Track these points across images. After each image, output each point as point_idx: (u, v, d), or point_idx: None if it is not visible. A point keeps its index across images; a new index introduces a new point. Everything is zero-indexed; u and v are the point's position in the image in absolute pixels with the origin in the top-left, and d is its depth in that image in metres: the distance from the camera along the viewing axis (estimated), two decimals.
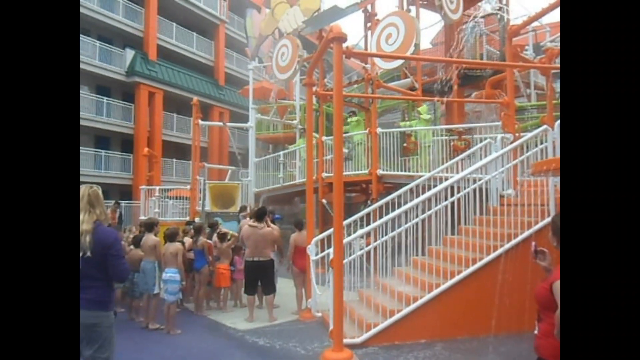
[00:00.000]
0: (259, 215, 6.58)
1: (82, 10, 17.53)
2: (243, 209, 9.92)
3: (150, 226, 6.45)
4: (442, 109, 13.04)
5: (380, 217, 5.94)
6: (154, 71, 20.74)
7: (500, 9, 12.93)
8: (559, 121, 5.94)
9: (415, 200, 5.86)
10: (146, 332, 5.98)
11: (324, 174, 9.65)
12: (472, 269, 5.34)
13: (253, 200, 12.13)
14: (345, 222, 5.90)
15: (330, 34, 4.80)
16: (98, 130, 18.96)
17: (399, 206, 6.01)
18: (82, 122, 17.30)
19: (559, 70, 9.92)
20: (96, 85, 19.36)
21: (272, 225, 6.86)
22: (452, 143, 8.93)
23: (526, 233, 5.45)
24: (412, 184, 6.77)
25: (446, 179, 6.24)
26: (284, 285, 7.39)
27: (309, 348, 5.04)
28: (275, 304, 6.80)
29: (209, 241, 7.04)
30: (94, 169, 18.46)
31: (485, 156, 6.81)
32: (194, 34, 23.63)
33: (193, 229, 7.20)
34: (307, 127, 7.11)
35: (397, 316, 5.13)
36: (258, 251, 6.35)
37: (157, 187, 13.81)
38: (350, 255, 5.74)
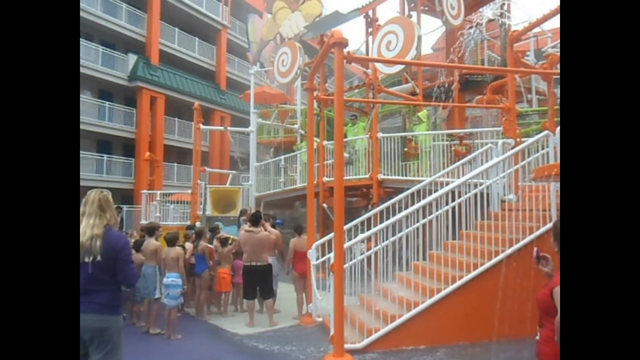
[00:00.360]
0: (255, 219, 6.57)
1: (85, 15, 17.64)
2: (243, 212, 9.92)
3: (151, 230, 6.45)
4: (444, 114, 13.05)
5: (381, 221, 5.94)
6: (156, 76, 20.82)
7: (501, 14, 12.97)
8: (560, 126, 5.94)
9: (416, 205, 5.85)
10: (147, 337, 5.96)
11: (325, 179, 9.65)
12: (473, 274, 5.32)
13: (254, 205, 12.13)
14: (346, 227, 5.89)
15: (332, 39, 4.83)
16: (100, 135, 19.02)
17: (400, 211, 6.00)
18: (84, 127, 17.37)
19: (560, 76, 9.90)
20: (98, 90, 19.45)
21: (271, 229, 6.85)
22: (453, 148, 8.93)
23: (527, 238, 5.44)
24: (413, 189, 6.77)
25: (447, 183, 6.24)
26: (285, 290, 7.38)
27: (310, 353, 5.02)
28: (276, 308, 6.78)
29: (209, 245, 7.04)
30: (96, 173, 18.50)
31: (487, 161, 6.81)
32: (196, 38, 23.75)
33: (194, 234, 7.20)
34: (308, 132, 7.12)
35: (398, 321, 5.11)
36: (256, 256, 6.33)
37: (159, 192, 13.83)
38: (351, 259, 5.73)
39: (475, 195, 5.99)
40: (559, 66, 7.69)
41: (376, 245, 5.81)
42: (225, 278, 6.93)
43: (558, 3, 6.31)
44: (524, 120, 11.15)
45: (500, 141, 6.99)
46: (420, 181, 7.21)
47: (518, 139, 6.73)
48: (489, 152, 7.13)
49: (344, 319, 4.87)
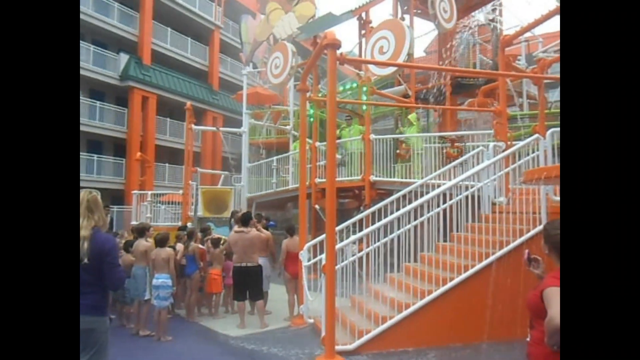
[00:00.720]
0: (244, 220, 6.55)
1: None
2: (234, 214, 9.88)
3: (141, 231, 6.41)
4: (435, 116, 13.13)
5: (373, 223, 5.95)
6: (148, 76, 20.70)
7: (493, 19, 13.09)
8: (550, 130, 6.00)
9: (408, 207, 5.87)
10: (136, 339, 5.91)
11: (317, 180, 9.65)
12: (464, 276, 5.35)
13: (245, 206, 12.10)
14: (337, 228, 5.89)
15: (325, 41, 4.83)
16: (91, 135, 18.85)
17: (392, 212, 6.02)
18: None
19: (550, 80, 10.04)
20: (90, 90, 19.28)
21: (263, 230, 6.83)
22: (444, 150, 8.98)
23: (518, 241, 5.48)
24: (405, 191, 6.79)
25: (439, 186, 6.27)
26: (276, 292, 7.36)
27: (301, 354, 5.00)
28: (267, 310, 6.76)
29: (201, 246, 7.00)
30: (86, 173, 18.33)
31: (478, 164, 6.86)
32: (189, 38, 23.65)
33: (185, 235, 7.16)
34: (300, 133, 7.12)
35: (389, 323, 5.11)
36: (246, 257, 6.30)
37: (149, 192, 13.75)
38: (342, 261, 5.73)
39: (467, 197, 6.02)
40: (549, 70, 7.78)
41: (368, 246, 5.82)
42: (217, 279, 6.90)
43: (549, 9, 6.39)
44: (515, 124, 11.25)
45: (491, 144, 7.04)
46: (412, 183, 7.24)
47: (509, 142, 6.78)
48: (480, 154, 7.18)
49: (335, 320, 4.87)
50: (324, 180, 8.18)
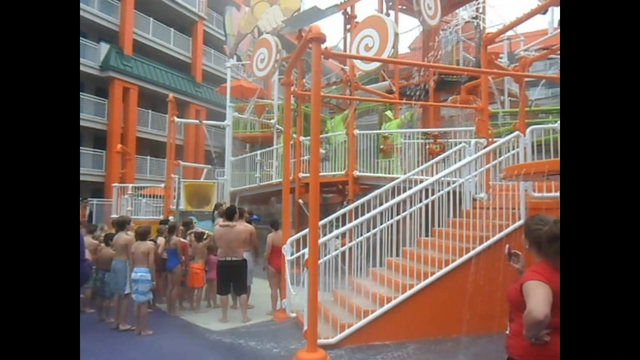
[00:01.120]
0: (229, 214, 6.52)
1: None
2: (218, 207, 9.81)
3: (122, 224, 6.30)
4: (419, 113, 13.22)
5: (356, 218, 5.98)
6: (129, 66, 20.29)
7: (476, 17, 13.22)
8: (530, 127, 6.12)
9: (391, 202, 5.92)
10: (117, 333, 5.84)
11: (301, 174, 9.64)
12: (445, 270, 5.43)
13: (229, 200, 12.02)
14: (321, 223, 5.91)
15: (309, 34, 4.81)
16: None
17: (375, 207, 6.06)
18: None
19: (531, 79, 10.14)
20: None
21: (246, 224, 6.80)
22: (427, 146, 9.07)
23: (497, 236, 5.59)
24: (388, 186, 6.84)
25: (421, 181, 6.33)
26: (259, 286, 7.35)
27: (283, 348, 5.02)
28: (250, 304, 6.75)
29: (183, 240, 6.94)
30: None
31: (460, 160, 6.95)
32: (172, 29, 23.25)
33: (167, 228, 7.07)
34: (284, 127, 7.10)
35: (371, 316, 5.17)
36: (231, 251, 6.28)
37: (130, 185, 13.54)
38: (325, 255, 5.75)
39: (448, 193, 6.10)
40: (530, 69, 7.91)
41: (351, 241, 5.86)
42: (199, 273, 6.84)
43: (530, 8, 6.48)
44: (496, 121, 11.43)
45: (473, 140, 7.14)
46: (395, 178, 7.30)
47: (490, 139, 6.89)
48: (462, 151, 7.28)
49: (318, 314, 4.90)
50: (307, 175, 8.19)
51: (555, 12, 12.95)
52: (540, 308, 1.99)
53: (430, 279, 5.39)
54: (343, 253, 5.82)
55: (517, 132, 6.26)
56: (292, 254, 6.20)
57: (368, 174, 9.20)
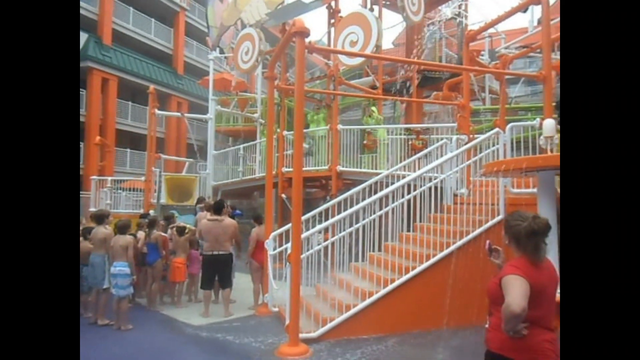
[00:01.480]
0: (217, 208, 6.50)
1: None
2: (200, 200, 9.72)
3: (100, 218, 6.19)
4: (403, 108, 13.31)
5: (339, 213, 6.01)
6: (108, 56, 19.85)
7: (459, 14, 13.33)
8: (510, 124, 6.22)
9: (373, 197, 5.96)
10: (95, 328, 5.75)
11: (284, 169, 9.62)
12: (425, 264, 5.50)
13: (211, 194, 11.92)
14: (303, 218, 5.91)
15: (293, 28, 4.79)
16: None
17: (357, 202, 6.09)
18: None
19: (512, 76, 10.29)
20: None
21: (230, 219, 6.76)
22: (410, 142, 9.14)
23: (477, 231, 5.68)
24: (371, 181, 6.88)
25: (403, 177, 6.39)
26: (241, 280, 7.32)
27: (265, 343, 5.02)
28: (232, 299, 6.72)
29: (163, 234, 6.86)
30: None
31: (441, 156, 7.02)
32: (152, 20, 22.80)
33: (147, 222, 6.98)
34: (267, 121, 7.06)
35: (352, 311, 5.20)
36: (219, 245, 6.28)
37: (109, 178, 13.31)
38: (308, 250, 5.76)
39: (430, 188, 6.17)
40: (511, 66, 8.02)
41: (333, 236, 5.88)
42: (180, 268, 6.78)
43: (511, 6, 6.57)
44: (477, 118, 11.58)
45: (454, 137, 7.22)
46: (378, 174, 7.34)
47: (471, 135, 6.98)
48: (444, 147, 7.36)
49: (300, 309, 4.91)
50: (291, 169, 8.17)
51: (536, 11, 13.15)
52: (517, 302, 2.03)
53: (412, 273, 5.45)
54: (326, 248, 5.84)
55: (497, 129, 6.35)
56: (274, 249, 6.19)
57: (351, 169, 9.23)
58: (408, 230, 6.33)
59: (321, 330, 5.06)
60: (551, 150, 4.90)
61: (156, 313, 6.51)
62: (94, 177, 13.13)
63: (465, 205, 5.99)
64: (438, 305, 5.06)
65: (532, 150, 5.92)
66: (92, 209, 11.04)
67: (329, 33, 12.86)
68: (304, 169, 7.74)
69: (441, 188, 6.42)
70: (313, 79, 14.00)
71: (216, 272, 6.33)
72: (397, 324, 5.26)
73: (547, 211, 4.60)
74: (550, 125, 4.98)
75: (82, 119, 19.17)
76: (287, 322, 4.85)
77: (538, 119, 5.75)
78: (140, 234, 6.73)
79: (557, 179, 5.23)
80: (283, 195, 9.65)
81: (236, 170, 12.02)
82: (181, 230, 6.95)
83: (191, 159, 14.70)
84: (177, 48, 24.24)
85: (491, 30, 12.43)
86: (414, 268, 5.49)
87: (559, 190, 5.49)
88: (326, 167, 9.40)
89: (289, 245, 5.20)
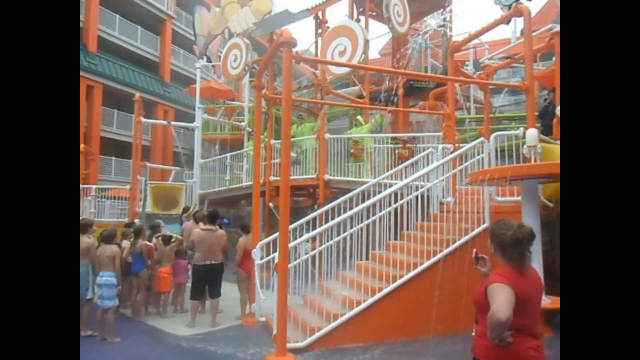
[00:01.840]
0: (212, 218, 6.53)
1: None
2: (186, 210, 9.64)
3: (84, 227, 6.09)
4: (390, 117, 13.42)
5: (326, 221, 6.01)
6: (93, 63, 19.67)
7: (444, 25, 13.55)
8: (494, 134, 6.32)
9: (361, 206, 5.98)
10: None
11: (272, 178, 9.60)
12: (412, 273, 5.53)
13: (197, 203, 11.82)
14: (291, 226, 5.90)
15: (280, 38, 4.82)
16: None
17: (345, 211, 6.11)
18: None
19: (495, 86, 10.44)
20: None
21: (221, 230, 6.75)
22: (397, 151, 9.21)
23: (463, 239, 5.74)
24: (358, 190, 6.91)
25: (390, 185, 6.43)
26: (228, 290, 7.24)
27: (252, 353, 4.97)
28: (219, 308, 6.65)
29: (149, 244, 6.77)
30: None
31: (428, 165, 7.10)
32: (139, 27, 22.69)
33: (132, 231, 6.89)
34: (255, 130, 7.06)
35: (340, 320, 5.19)
36: (211, 255, 6.26)
37: (94, 186, 13.13)
38: (295, 259, 5.75)
39: (417, 197, 6.22)
40: (494, 77, 8.17)
41: (321, 245, 5.88)
42: (166, 277, 6.70)
43: (495, 18, 6.72)
44: (462, 127, 11.73)
45: (440, 146, 7.31)
46: (365, 182, 7.38)
47: (456, 145, 7.07)
48: (430, 156, 7.44)
49: (287, 319, 4.88)
50: (278, 178, 8.17)
51: (518, 23, 13.44)
52: (502, 310, 2.05)
53: (399, 281, 5.47)
54: (313, 257, 5.83)
55: (482, 138, 6.45)
56: (262, 258, 6.16)
57: (339, 177, 9.26)
58: (395, 239, 6.36)
59: (309, 339, 5.03)
60: (534, 159, 4.99)
61: (141, 324, 6.40)
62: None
63: (451, 213, 6.05)
64: (425, 313, 5.08)
65: (515, 159, 6.02)
66: None
67: (316, 43, 12.97)
68: (292, 177, 7.74)
69: (428, 196, 6.48)
70: (300, 88, 14.07)
71: (207, 282, 6.29)
72: (385, 332, 5.26)
73: (531, 219, 4.68)
74: (533, 135, 5.09)
75: None
76: (275, 332, 4.82)
77: (521, 128, 5.85)
78: (125, 243, 6.64)
79: (541, 187, 5.32)
80: (270, 204, 9.62)
81: (223, 178, 11.96)
82: (167, 240, 6.88)
83: (177, 168, 14.57)
84: (164, 56, 24.15)
85: (475, 41, 12.65)
86: (401, 276, 5.51)
87: (542, 198, 5.59)
88: (314, 176, 9.41)
89: (276, 254, 5.18)
